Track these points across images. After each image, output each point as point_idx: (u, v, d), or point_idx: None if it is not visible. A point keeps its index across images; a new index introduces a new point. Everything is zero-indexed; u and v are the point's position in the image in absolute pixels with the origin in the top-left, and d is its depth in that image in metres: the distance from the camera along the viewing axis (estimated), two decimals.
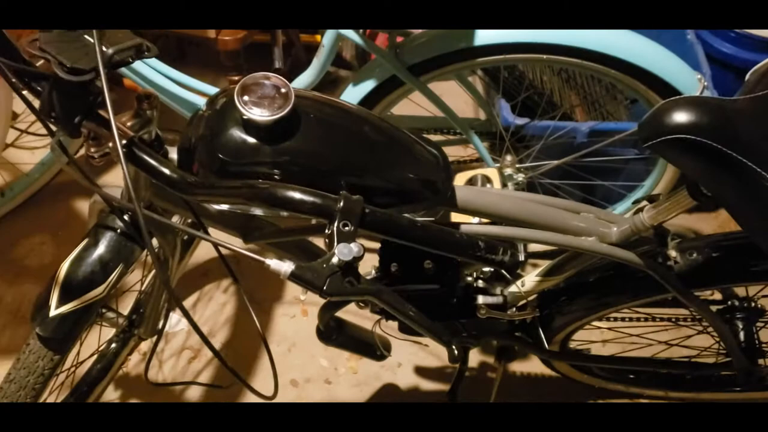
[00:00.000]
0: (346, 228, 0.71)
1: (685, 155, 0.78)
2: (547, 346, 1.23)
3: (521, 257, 1.22)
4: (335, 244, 0.70)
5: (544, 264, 1.16)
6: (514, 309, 1.20)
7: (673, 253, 1.04)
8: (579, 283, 1.21)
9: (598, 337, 1.57)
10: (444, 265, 1.07)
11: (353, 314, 1.34)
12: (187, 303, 1.86)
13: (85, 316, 0.93)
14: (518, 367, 1.70)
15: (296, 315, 1.83)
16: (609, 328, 1.42)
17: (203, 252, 1.76)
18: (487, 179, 1.32)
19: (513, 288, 1.20)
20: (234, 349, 1.76)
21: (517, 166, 1.58)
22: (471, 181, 1.33)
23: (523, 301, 1.20)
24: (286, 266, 0.71)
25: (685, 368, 1.34)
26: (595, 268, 1.18)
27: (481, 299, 1.16)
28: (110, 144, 0.73)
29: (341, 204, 0.71)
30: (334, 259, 0.70)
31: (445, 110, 1.49)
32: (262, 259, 0.71)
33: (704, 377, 1.55)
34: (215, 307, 1.85)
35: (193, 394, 1.67)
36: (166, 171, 0.73)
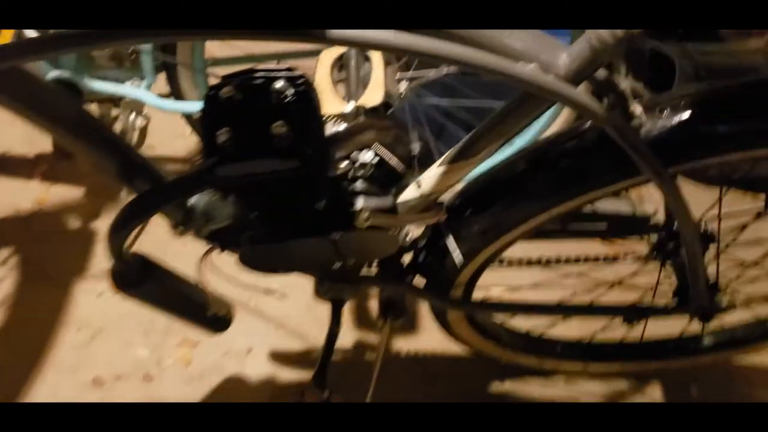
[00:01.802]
0: None
1: None
2: (458, 263, 0.85)
3: (416, 150, 0.86)
4: None
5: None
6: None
7: (637, 110, 0.70)
8: (491, 184, 0.86)
9: (510, 287, 1.23)
10: (305, 130, 0.67)
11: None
12: None
13: None
14: (405, 344, 1.32)
15: (104, 292, 1.35)
16: (532, 262, 1.07)
17: None
18: (365, 57, 0.94)
19: (408, 192, 0.83)
20: (11, 337, 1.25)
21: (398, 76, 1.22)
22: (341, 59, 0.95)
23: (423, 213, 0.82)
24: None
25: (629, 313, 1.02)
26: (516, 160, 0.83)
27: (362, 201, 0.77)
28: None
29: None
30: None
31: None
32: None
33: (629, 348, 1.25)
34: None
35: None
36: None
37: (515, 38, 0.64)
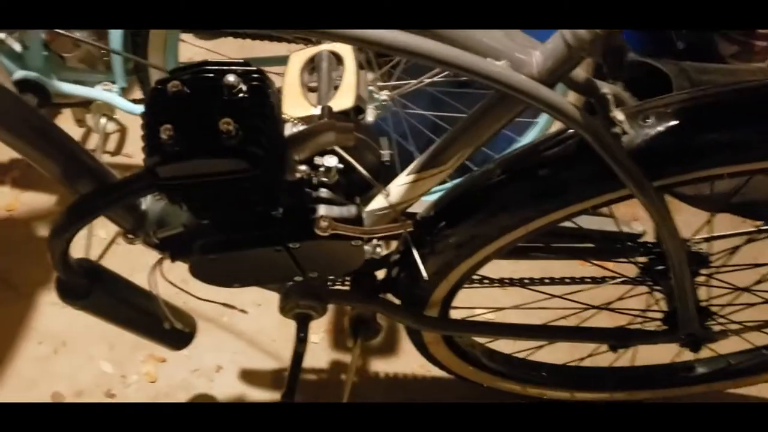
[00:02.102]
0: None
1: None
2: (425, 275, 0.79)
3: (386, 157, 0.81)
4: None
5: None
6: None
7: (619, 116, 0.65)
8: (466, 195, 0.80)
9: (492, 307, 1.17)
10: (257, 130, 0.62)
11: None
12: None
13: None
14: (383, 366, 1.25)
15: None
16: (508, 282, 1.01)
17: None
18: (336, 57, 0.89)
19: (376, 202, 0.77)
20: None
21: (380, 84, 1.17)
22: (313, 62, 0.90)
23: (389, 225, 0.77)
24: None
25: (614, 339, 0.95)
26: (492, 169, 0.77)
27: (323, 209, 0.72)
28: None
29: None
30: None
31: None
32: None
33: (618, 375, 1.18)
34: None
35: None
36: None
37: (486, 35, 0.59)
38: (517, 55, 0.59)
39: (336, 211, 0.72)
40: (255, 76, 0.63)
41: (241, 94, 0.62)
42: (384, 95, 1.16)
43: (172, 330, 0.89)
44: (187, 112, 0.61)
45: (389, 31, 0.53)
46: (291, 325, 0.94)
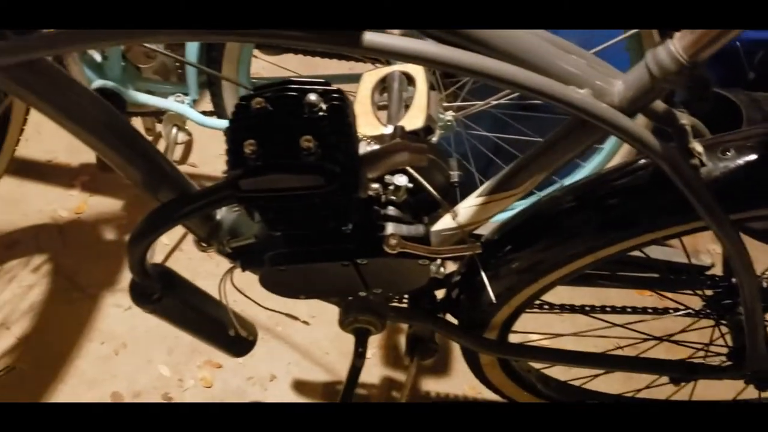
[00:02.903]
0: None
1: None
2: (492, 302, 0.79)
3: (455, 178, 0.81)
4: None
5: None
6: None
7: (698, 148, 0.64)
8: (533, 220, 0.80)
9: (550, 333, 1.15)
10: (335, 148, 0.63)
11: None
12: None
13: None
14: (433, 385, 1.25)
15: (132, 306, 1.31)
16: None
17: (11, 218, 1.28)
18: (407, 77, 0.91)
19: (443, 222, 0.78)
20: (34, 345, 1.24)
21: (445, 104, 1.18)
22: (384, 82, 0.92)
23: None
24: None
25: (676, 371, 0.94)
26: (561, 196, 0.77)
27: (392, 227, 0.73)
28: None
29: None
30: None
31: None
32: None
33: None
34: (17, 289, 1.32)
35: None
36: None
37: (569, 61, 0.60)
38: (598, 83, 0.60)
39: (405, 229, 0.73)
40: (335, 95, 0.65)
41: (321, 113, 0.64)
42: (449, 115, 1.17)
43: (236, 337, 0.91)
44: (269, 128, 0.63)
45: (477, 57, 0.54)
46: (344, 339, 0.95)
